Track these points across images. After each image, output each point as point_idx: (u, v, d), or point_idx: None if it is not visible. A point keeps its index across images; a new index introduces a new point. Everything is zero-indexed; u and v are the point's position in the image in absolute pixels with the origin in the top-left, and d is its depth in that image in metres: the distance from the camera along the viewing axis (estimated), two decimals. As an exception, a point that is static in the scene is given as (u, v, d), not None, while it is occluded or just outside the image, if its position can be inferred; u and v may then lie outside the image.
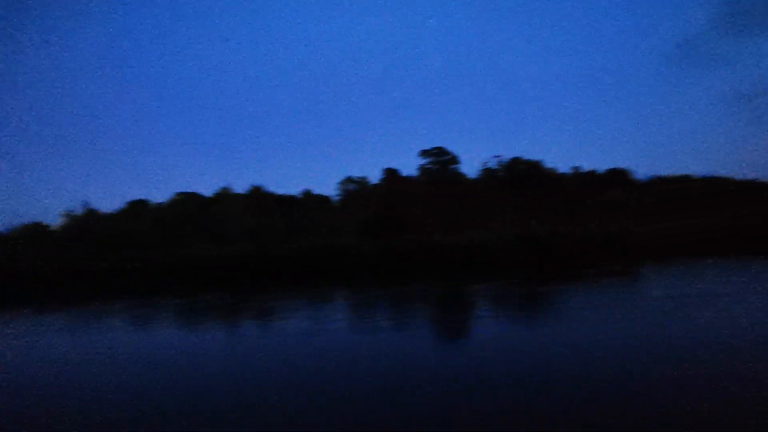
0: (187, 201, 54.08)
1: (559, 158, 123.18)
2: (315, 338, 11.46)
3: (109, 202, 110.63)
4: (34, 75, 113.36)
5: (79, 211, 53.32)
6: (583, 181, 60.16)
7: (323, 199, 63.54)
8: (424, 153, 63.69)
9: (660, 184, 60.34)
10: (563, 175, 61.16)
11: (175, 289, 26.13)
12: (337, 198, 64.14)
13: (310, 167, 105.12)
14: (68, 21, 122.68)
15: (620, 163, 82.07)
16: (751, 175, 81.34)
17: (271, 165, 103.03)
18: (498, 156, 62.13)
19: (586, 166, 68.39)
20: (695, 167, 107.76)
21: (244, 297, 21.78)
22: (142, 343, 12.35)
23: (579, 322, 11.61)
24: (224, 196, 53.36)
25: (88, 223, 48.11)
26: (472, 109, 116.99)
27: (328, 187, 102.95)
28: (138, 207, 56.49)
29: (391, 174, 64.80)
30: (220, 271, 28.91)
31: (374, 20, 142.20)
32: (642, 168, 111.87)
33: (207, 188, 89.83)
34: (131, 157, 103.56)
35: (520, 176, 57.22)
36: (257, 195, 55.47)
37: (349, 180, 65.03)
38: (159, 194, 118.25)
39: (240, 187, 61.79)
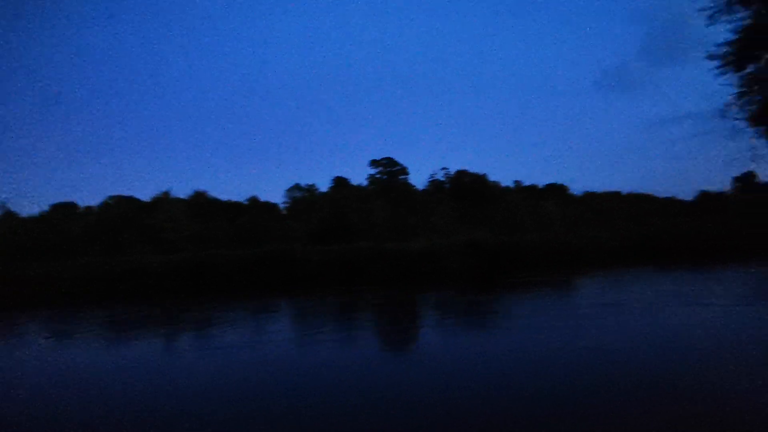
0: (122, 205, 50.93)
1: (503, 172, 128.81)
2: (243, 352, 11.00)
3: (31, 205, 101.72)
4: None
5: (-4, 214, 48.70)
6: (524, 194, 63.19)
7: (271, 207, 62.19)
8: (374, 163, 64.35)
9: (593, 198, 64.73)
10: (506, 188, 63.98)
11: (105, 299, 24.49)
12: (284, 205, 63.03)
13: (258, 174, 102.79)
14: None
15: (558, 179, 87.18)
16: (670, 192, 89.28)
17: (216, 170, 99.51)
18: (445, 168, 64.09)
19: (527, 180, 71.92)
20: (623, 184, 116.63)
21: (182, 307, 20.83)
22: (49, 361, 11.42)
23: (510, 331, 12.20)
24: (163, 200, 50.73)
25: (6, 227, 44.01)
26: (422, 122, 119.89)
27: (276, 194, 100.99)
28: (65, 211, 52.42)
29: (340, 182, 64.76)
30: (158, 280, 27.45)
31: (326, 31, 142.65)
32: (577, 183, 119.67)
33: (144, 192, 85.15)
34: (58, 156, 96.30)
35: (466, 188, 59.22)
36: (200, 200, 53.29)
37: (297, 187, 64.15)
38: (90, 197, 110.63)
39: (181, 191, 59.13)
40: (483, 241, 32.91)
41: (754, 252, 31.72)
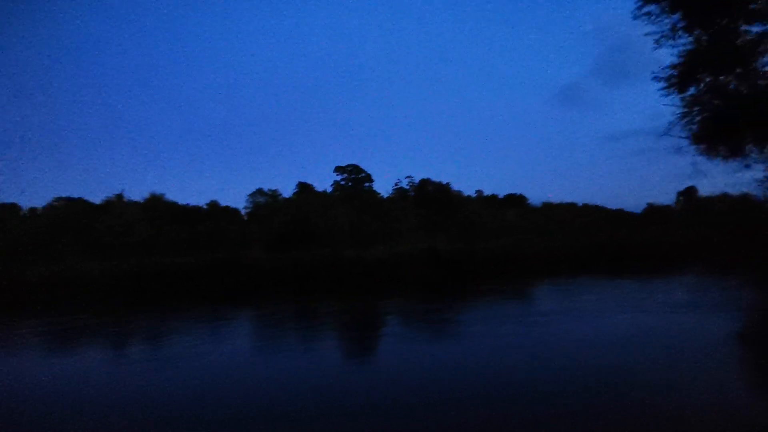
0: (70, 207, 48.01)
1: (465, 182, 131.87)
2: (185, 363, 10.54)
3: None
4: None
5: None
6: (485, 203, 64.73)
7: (231, 212, 60.49)
8: (339, 169, 64.07)
9: (550, 209, 67.20)
10: (468, 197, 65.32)
11: (46, 308, 22.85)
12: (246, 211, 61.50)
13: (219, 178, 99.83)
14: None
15: (518, 189, 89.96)
16: (621, 204, 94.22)
17: (174, 173, 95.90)
18: (409, 176, 64.72)
19: (488, 190, 73.84)
20: (579, 196, 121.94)
21: (129, 317, 19.73)
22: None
23: (465, 339, 12.33)
24: (115, 203, 48.26)
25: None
26: (387, 130, 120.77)
27: (237, 199, 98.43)
28: (6, 212, 48.83)
29: (304, 188, 64.00)
30: (100, 289, 25.84)
31: (291, 36, 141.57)
32: (536, 194, 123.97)
33: (96, 194, 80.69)
34: (1, 153, 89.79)
35: (429, 196, 60.00)
36: (155, 204, 51.04)
37: (260, 192, 62.77)
38: (36, 199, 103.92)
39: (136, 194, 56.44)
40: (442, 249, 33.37)
41: (695, 261, 33.88)
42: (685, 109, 8.63)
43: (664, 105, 8.85)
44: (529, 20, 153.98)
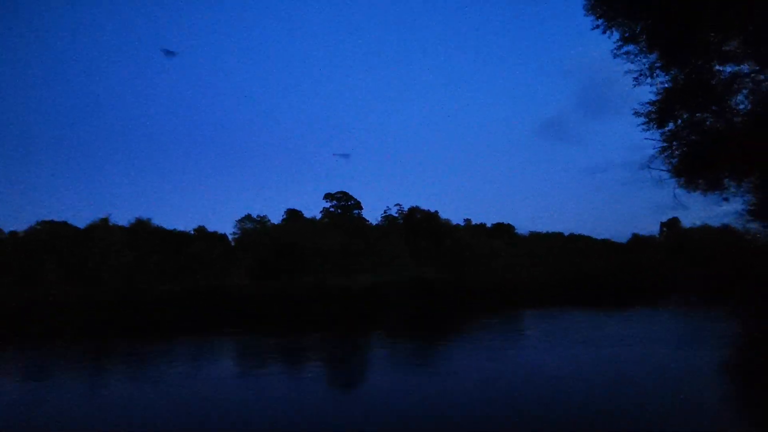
0: (52, 231, 47.05)
1: (454, 210, 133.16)
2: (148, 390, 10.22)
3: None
4: None
5: None
6: (473, 231, 65.13)
7: (219, 237, 59.85)
8: (328, 196, 64.25)
9: (537, 238, 67.89)
10: (456, 225, 65.73)
11: (22, 335, 22.01)
12: (234, 236, 60.91)
13: (208, 203, 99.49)
14: None
15: (505, 219, 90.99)
16: (606, 234, 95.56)
17: (161, 198, 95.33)
18: (398, 204, 65.12)
19: (476, 219, 74.50)
20: (565, 226, 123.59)
21: (104, 344, 19.05)
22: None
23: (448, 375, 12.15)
24: (100, 228, 47.44)
25: None
26: (378, 159, 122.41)
27: (226, 225, 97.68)
28: (-16, 235, 47.62)
29: (293, 215, 63.83)
30: (85, 313, 25.08)
31: (282, 62, 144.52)
32: (523, 224, 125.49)
33: (80, 218, 79.36)
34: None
35: (418, 224, 60.24)
36: (141, 229, 50.31)
37: (248, 218, 62.36)
38: (17, 221, 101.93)
39: (122, 218, 55.54)
40: (430, 277, 33.30)
41: (679, 291, 34.23)
42: (665, 144, 8.92)
43: (645, 139, 9.14)
44: (514, 55, 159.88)
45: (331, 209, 63.28)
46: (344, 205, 63.57)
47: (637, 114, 8.94)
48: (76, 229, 49.25)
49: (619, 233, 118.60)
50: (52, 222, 50.01)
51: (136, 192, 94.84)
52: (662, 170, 9.09)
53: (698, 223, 59.49)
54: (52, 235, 45.32)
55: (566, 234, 71.08)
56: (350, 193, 63.69)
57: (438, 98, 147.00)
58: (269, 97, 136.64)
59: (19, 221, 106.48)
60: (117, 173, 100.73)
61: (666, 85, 8.58)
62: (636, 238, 68.85)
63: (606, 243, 67.82)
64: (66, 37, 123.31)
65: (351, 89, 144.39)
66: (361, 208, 63.34)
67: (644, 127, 8.96)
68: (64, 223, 50.97)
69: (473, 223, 70.15)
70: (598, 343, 15.47)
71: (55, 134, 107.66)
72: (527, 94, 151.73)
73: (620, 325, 20.22)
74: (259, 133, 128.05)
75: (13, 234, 49.00)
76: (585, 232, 73.27)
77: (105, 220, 50.41)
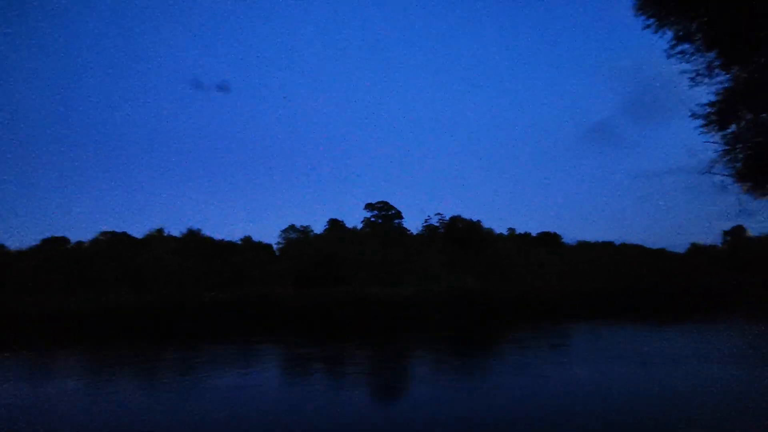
0: (113, 241, 50.32)
1: (497, 219, 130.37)
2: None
3: (20, 238, 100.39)
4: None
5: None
6: (517, 241, 63.44)
7: (264, 247, 61.78)
8: (369, 206, 64.87)
9: (585, 248, 65.08)
10: (499, 235, 64.32)
11: (88, 339, 23.59)
12: (278, 246, 62.67)
13: (254, 214, 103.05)
14: None
15: (551, 228, 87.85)
16: (662, 244, 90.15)
17: (212, 209, 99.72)
18: (439, 214, 64.66)
19: (521, 228, 72.55)
20: (616, 235, 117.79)
21: (158, 350, 20.02)
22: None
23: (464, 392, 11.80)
24: (155, 238, 50.24)
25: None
26: (419, 168, 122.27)
27: (270, 235, 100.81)
28: (55, 245, 51.64)
29: (335, 224, 64.88)
30: (141, 321, 26.56)
31: (327, 73, 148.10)
32: (570, 233, 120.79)
33: (138, 229, 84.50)
34: (52, 187, 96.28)
35: (459, 234, 59.46)
36: (192, 239, 52.84)
37: (292, 228, 64.04)
38: (82, 232, 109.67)
39: (175, 229, 58.55)
40: (471, 288, 32.66)
41: (744, 305, 31.56)
42: (727, 147, 8.32)
43: (704, 142, 8.58)
44: (560, 58, 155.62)
45: (372, 219, 63.78)
46: (385, 215, 63.89)
47: (695, 116, 8.41)
48: (134, 239, 52.49)
49: (676, 243, 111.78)
50: (113, 232, 53.62)
51: (189, 204, 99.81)
52: (724, 175, 8.49)
53: (766, 231, 55.21)
54: (113, 244, 48.49)
55: (617, 243, 67.72)
56: (391, 203, 63.97)
57: (480, 105, 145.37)
58: (311, 109, 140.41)
59: (85, 231, 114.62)
60: (172, 186, 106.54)
61: (726, 85, 8.03)
62: (695, 248, 64.56)
63: (661, 253, 63.95)
64: (127, 64, 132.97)
65: (392, 99, 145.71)
66: (401, 217, 63.44)
67: (703, 129, 8.40)
68: (124, 234, 54.50)
69: (517, 232, 68.45)
70: (650, 359, 14.52)
71: (120, 152, 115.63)
72: (573, 98, 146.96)
73: (674, 341, 18.89)
74: (304, 144, 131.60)
75: (79, 244, 52.88)
76: (638, 242, 69.44)
77: (160, 231, 53.48)
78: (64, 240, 54.63)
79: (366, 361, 16.84)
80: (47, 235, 54.49)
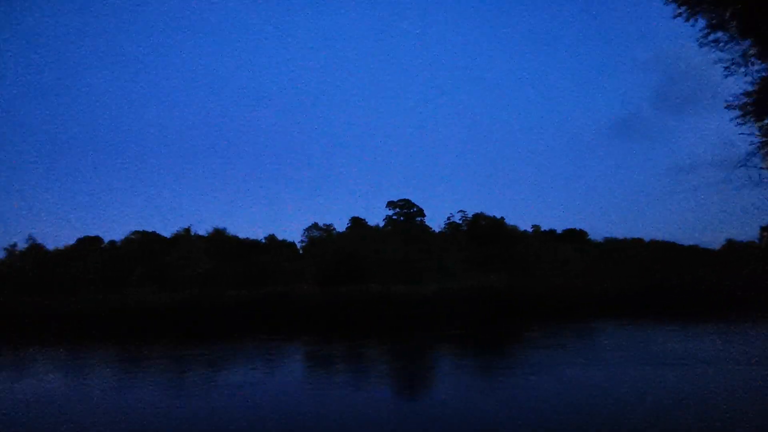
0: (143, 240, 51.91)
1: (521, 216, 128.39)
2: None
3: (58, 238, 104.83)
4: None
5: (23, 246, 50.19)
6: (542, 238, 62.30)
7: (288, 245, 62.60)
8: (391, 204, 64.83)
9: (613, 245, 63.35)
10: (524, 232, 63.27)
11: (116, 336, 24.47)
12: (301, 244, 63.41)
13: (278, 212, 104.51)
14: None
15: (577, 224, 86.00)
16: (695, 240, 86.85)
17: (237, 208, 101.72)
18: (462, 211, 64.08)
19: (545, 225, 71.31)
20: (646, 231, 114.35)
21: (186, 347, 20.57)
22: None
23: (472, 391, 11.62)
24: (183, 237, 51.54)
25: (32, 260, 45.15)
26: (441, 165, 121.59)
27: (294, 233, 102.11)
28: (89, 245, 53.67)
29: (357, 222, 65.17)
30: (168, 319, 27.37)
31: (346, 69, 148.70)
32: (597, 229, 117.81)
33: (167, 228, 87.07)
34: (87, 189, 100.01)
35: (483, 231, 58.80)
36: (218, 238, 53.99)
37: (315, 227, 64.66)
38: (115, 231, 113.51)
39: (202, 228, 59.98)
40: (495, 286, 32.24)
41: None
42: (765, 138, 7.94)
43: (740, 134, 8.20)
44: (584, 51, 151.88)
45: (394, 217, 63.72)
46: (407, 212, 63.73)
47: (729, 107, 8.04)
48: (163, 238, 53.99)
49: (710, 239, 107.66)
50: (144, 232, 55.28)
51: (215, 203, 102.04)
52: (762, 168, 8.11)
53: (808, 226, 52.46)
54: (144, 244, 50.03)
55: (647, 240, 65.68)
56: (413, 201, 63.75)
57: (504, 99, 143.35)
58: (333, 109, 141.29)
59: (115, 230, 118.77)
60: (198, 186, 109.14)
61: (763, 74, 7.66)
62: (730, 244, 62.00)
63: (694, 250, 61.69)
64: (157, 69, 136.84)
65: (414, 97, 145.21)
66: (423, 215, 63.13)
67: (739, 120, 8.03)
68: (153, 233, 56.13)
69: (542, 229, 67.21)
70: (679, 360, 14.01)
71: (149, 155, 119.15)
72: (599, 91, 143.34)
73: (706, 341, 18.16)
74: (326, 143, 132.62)
75: (112, 243, 54.80)
76: (669, 238, 67.18)
77: (187, 230, 54.85)
78: (98, 240, 56.77)
79: (387, 359, 16.87)
80: (82, 235, 56.86)
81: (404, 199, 64.10)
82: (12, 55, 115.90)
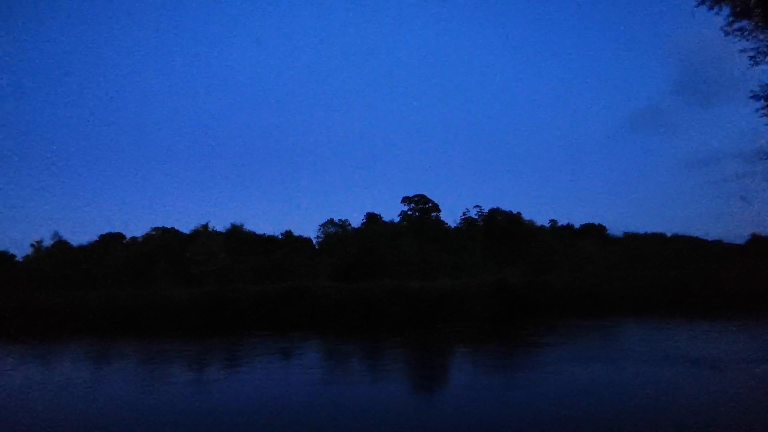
0: (164, 237, 52.97)
1: (538, 211, 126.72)
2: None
3: (82, 234, 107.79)
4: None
5: (48, 242, 51.79)
6: (560, 233, 61.42)
7: (304, 241, 63.08)
8: (406, 200, 64.67)
9: (633, 240, 62.02)
10: (541, 227, 62.43)
11: (138, 331, 25.12)
12: (317, 240, 63.81)
13: (294, 208, 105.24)
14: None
15: (595, 219, 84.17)
16: (718, 235, 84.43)
17: (254, 204, 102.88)
18: (478, 206, 63.53)
19: (563, 219, 70.01)
20: (667, 226, 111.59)
21: (204, 342, 21.01)
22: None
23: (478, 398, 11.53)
24: (201, 233, 52.43)
25: (56, 256, 46.61)
26: (456, 160, 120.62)
27: (310, 228, 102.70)
28: (111, 241, 55.03)
29: (372, 218, 65.25)
30: (187, 314, 27.88)
31: (362, 67, 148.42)
32: (616, 224, 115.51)
33: (186, 224, 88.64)
34: (109, 186, 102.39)
35: (499, 226, 58.26)
36: (236, 234, 54.75)
37: (330, 223, 64.95)
38: (136, 228, 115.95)
39: (220, 224, 60.80)
40: (514, 281, 31.83)
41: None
42: (792, 130, 7.68)
43: (765, 125, 7.96)
44: (602, 42, 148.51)
45: (409, 212, 63.57)
46: (422, 208, 63.50)
47: (755, 97, 7.79)
48: (183, 234, 55.00)
49: (734, 233, 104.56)
50: (164, 228, 56.38)
51: (232, 199, 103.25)
52: (789, 160, 7.86)
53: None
54: (164, 240, 51.07)
55: (668, 234, 64.15)
56: (428, 196, 63.48)
57: (519, 93, 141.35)
58: (348, 104, 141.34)
59: (136, 226, 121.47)
60: (216, 182, 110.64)
61: (792, 63, 7.40)
62: (756, 238, 60.09)
63: (718, 244, 60.03)
64: (182, 70, 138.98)
65: (428, 91, 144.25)
66: (438, 210, 62.83)
67: (764, 111, 7.79)
68: (173, 229, 57.19)
69: (559, 224, 66.24)
70: (716, 360, 13.67)
71: (167, 151, 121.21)
72: (617, 82, 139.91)
73: (728, 340, 17.67)
74: (341, 138, 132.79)
75: (134, 239, 56.09)
76: (692, 233, 65.55)
77: (206, 226, 55.74)
78: (120, 236, 58.17)
79: (402, 354, 16.93)
80: (105, 231, 58.33)
81: (419, 195, 63.90)
82: (33, 56, 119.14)
